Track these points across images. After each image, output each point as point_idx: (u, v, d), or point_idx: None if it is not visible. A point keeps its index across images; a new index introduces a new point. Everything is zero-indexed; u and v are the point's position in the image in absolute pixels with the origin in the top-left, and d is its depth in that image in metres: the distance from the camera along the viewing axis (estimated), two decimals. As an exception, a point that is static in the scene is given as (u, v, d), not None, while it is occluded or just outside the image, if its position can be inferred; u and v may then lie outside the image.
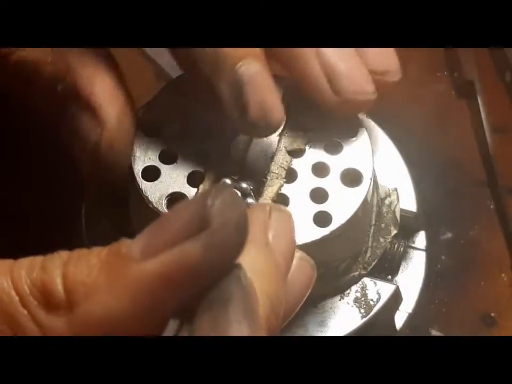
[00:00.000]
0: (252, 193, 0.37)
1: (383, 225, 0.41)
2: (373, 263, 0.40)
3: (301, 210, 0.37)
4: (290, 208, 0.37)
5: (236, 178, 0.38)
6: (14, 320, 0.26)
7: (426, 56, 0.67)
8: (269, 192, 0.37)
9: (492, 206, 0.59)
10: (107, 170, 0.38)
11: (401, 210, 0.42)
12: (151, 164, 0.38)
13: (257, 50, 0.36)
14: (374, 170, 0.39)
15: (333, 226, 0.37)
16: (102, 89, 0.37)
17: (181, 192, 0.37)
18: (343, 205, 0.37)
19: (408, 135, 0.61)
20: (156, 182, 0.38)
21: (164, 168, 0.38)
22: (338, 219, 0.37)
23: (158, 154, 0.38)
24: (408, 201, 0.43)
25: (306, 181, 0.38)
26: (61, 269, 0.27)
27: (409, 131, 0.62)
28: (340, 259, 0.39)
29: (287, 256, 0.30)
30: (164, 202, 0.37)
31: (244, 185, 0.37)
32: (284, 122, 0.39)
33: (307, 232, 0.36)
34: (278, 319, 0.29)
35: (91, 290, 0.26)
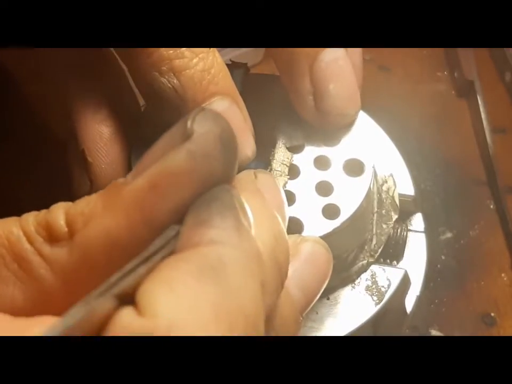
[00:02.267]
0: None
1: (384, 211, 0.41)
2: (379, 250, 0.40)
3: (309, 205, 0.37)
4: (298, 203, 0.37)
5: None
6: (21, 256, 0.27)
7: (426, 56, 0.67)
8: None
9: (492, 206, 0.59)
10: None
11: (400, 195, 0.42)
12: None
13: (225, 86, 0.36)
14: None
15: (343, 217, 0.37)
16: (97, 141, 0.38)
17: None
18: (349, 195, 0.37)
19: (408, 134, 0.62)
20: None
21: None
22: (347, 210, 0.37)
23: None
24: (404, 185, 0.43)
25: (309, 175, 0.38)
26: (64, 208, 0.28)
27: (409, 131, 0.62)
28: (348, 249, 0.39)
29: (280, 207, 0.31)
30: None
31: None
32: (280, 119, 0.39)
33: (318, 226, 0.36)
34: (287, 259, 0.29)
35: (89, 217, 0.27)
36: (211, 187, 0.27)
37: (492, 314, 0.54)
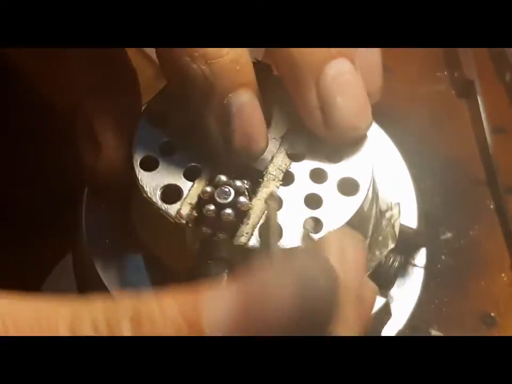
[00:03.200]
0: (247, 192, 0.37)
1: (380, 238, 0.40)
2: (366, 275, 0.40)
3: (293, 214, 0.37)
4: (282, 211, 0.37)
5: (232, 176, 0.38)
6: None
7: (426, 56, 0.67)
8: (263, 193, 0.37)
9: (491, 206, 0.59)
10: (103, 189, 0.39)
11: (401, 225, 0.41)
12: (151, 154, 0.38)
13: (251, 79, 0.36)
14: (373, 181, 0.39)
15: (322, 233, 0.36)
16: (106, 115, 0.38)
17: (176, 185, 0.38)
18: (336, 213, 0.37)
19: (408, 135, 0.62)
20: (153, 172, 0.38)
21: (163, 160, 0.38)
22: (329, 226, 0.36)
23: (158, 145, 0.38)
24: (410, 216, 0.42)
25: (302, 185, 0.38)
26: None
27: (409, 131, 0.62)
28: None
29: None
30: (158, 193, 0.37)
31: (239, 183, 0.37)
32: (285, 128, 0.39)
33: (295, 237, 0.36)
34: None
35: None
36: None
37: (492, 314, 0.54)
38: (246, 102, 0.36)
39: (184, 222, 0.36)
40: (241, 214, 0.36)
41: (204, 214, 0.36)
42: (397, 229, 0.41)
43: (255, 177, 0.38)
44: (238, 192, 0.37)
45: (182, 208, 0.37)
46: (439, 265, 0.56)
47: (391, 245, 0.40)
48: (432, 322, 0.53)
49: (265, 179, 0.38)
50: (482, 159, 0.61)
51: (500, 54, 0.66)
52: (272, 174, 0.38)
